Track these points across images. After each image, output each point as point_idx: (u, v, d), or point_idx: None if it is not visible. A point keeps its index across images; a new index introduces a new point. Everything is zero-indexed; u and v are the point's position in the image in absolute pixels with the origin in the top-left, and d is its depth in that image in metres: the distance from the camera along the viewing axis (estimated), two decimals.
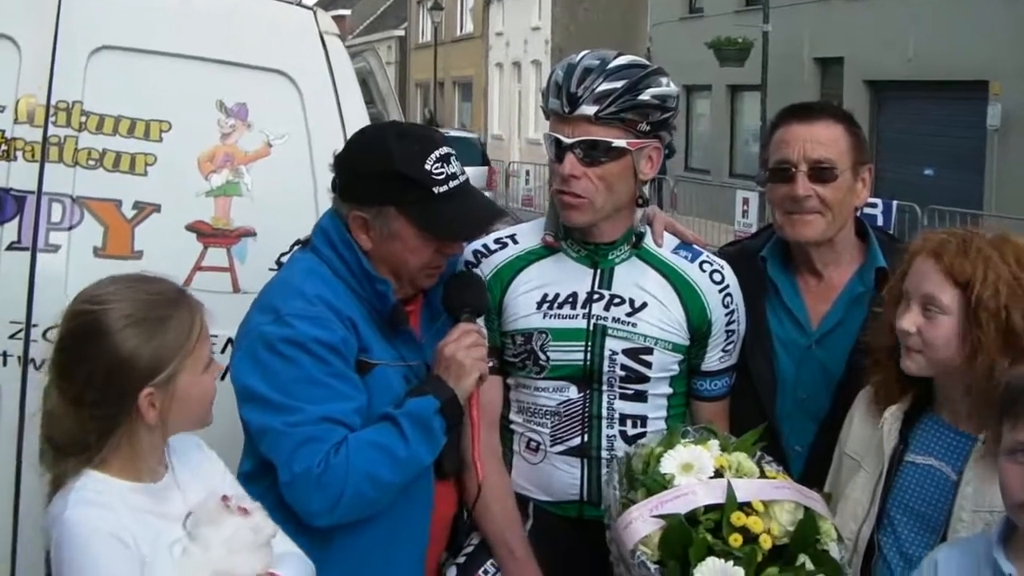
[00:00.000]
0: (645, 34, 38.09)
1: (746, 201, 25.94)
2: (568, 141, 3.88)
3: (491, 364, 3.91)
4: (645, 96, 3.86)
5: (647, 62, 4.03)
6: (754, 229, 15.33)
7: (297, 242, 3.94)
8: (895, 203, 20.97)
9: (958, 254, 3.51)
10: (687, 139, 38.90)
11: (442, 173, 3.73)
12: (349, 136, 4.07)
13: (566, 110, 3.88)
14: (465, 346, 3.75)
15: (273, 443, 3.49)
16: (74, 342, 3.10)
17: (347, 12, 71.27)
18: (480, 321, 3.98)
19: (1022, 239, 3.63)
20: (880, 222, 18.29)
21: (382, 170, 3.70)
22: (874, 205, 18.50)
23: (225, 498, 3.23)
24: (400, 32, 72.31)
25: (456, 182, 3.77)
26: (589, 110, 3.84)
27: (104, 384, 3.04)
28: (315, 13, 4.97)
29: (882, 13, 28.68)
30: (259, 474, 3.64)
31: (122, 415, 3.07)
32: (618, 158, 3.88)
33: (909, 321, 3.57)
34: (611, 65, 3.88)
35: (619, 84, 3.84)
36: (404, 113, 6.66)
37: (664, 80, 3.94)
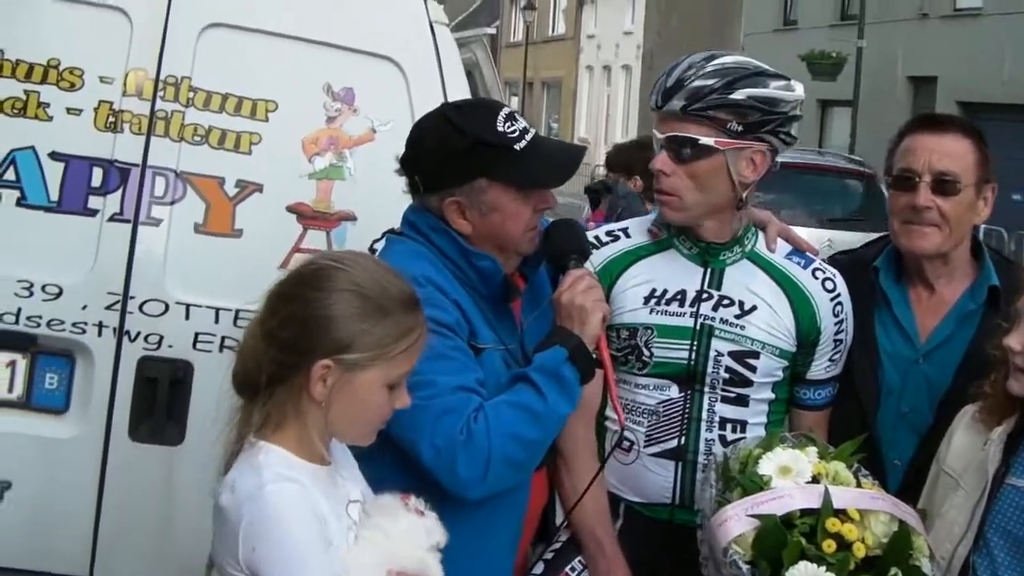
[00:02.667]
0: (738, 43, 37.89)
1: None
2: (660, 137, 3.86)
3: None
4: (738, 95, 3.78)
5: (760, 65, 3.94)
6: None
7: (389, 231, 3.92)
8: (983, 227, 20.76)
9: None
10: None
11: (515, 130, 3.72)
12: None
13: (658, 104, 3.86)
14: (581, 290, 3.69)
15: (410, 421, 3.37)
16: (296, 281, 3.07)
17: (440, 6, 71.44)
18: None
19: None
20: None
21: (461, 147, 3.67)
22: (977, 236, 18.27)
23: (405, 496, 3.21)
24: (492, 30, 72.41)
25: (530, 134, 3.76)
26: (677, 105, 3.80)
27: (298, 331, 2.99)
28: (425, 2, 4.96)
29: (978, 34, 28.47)
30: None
31: (295, 371, 3.00)
32: (707, 156, 3.82)
33: (1016, 339, 3.52)
34: (715, 62, 3.83)
35: (712, 81, 3.78)
36: None
37: (775, 83, 3.86)
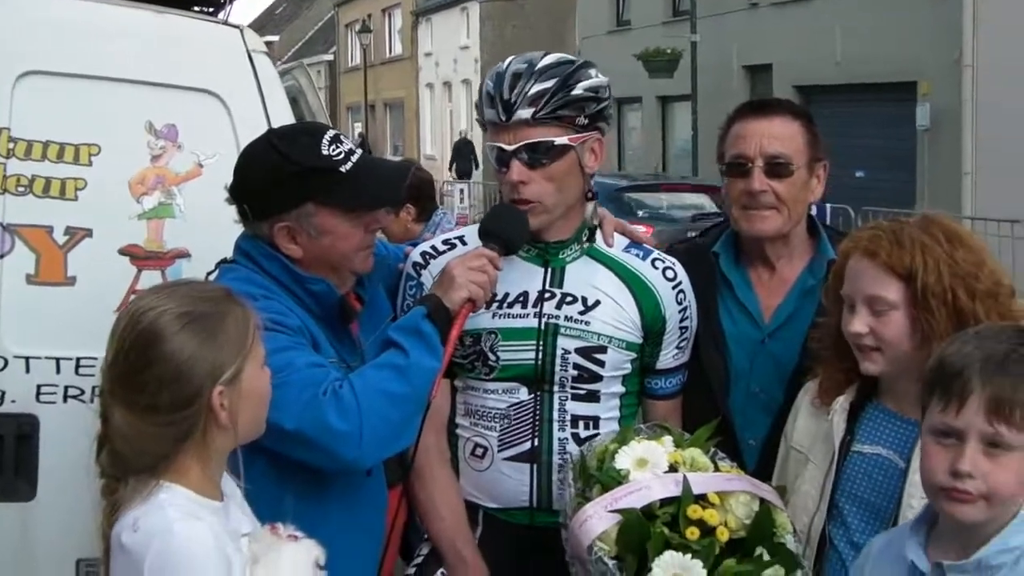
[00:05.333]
0: (574, 48, 38.13)
1: None
2: (510, 148, 3.87)
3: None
4: (578, 90, 3.86)
5: (573, 57, 4.02)
6: None
7: (222, 261, 3.91)
8: (828, 206, 21.13)
9: (893, 247, 3.51)
10: (619, 151, 39.12)
11: (340, 152, 3.75)
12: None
13: (503, 118, 3.86)
14: (467, 266, 3.73)
15: (272, 403, 3.31)
16: (135, 352, 3.02)
17: (275, 38, 71.11)
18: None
19: (944, 218, 3.66)
20: None
21: (287, 172, 3.70)
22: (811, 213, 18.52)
23: (273, 527, 3.21)
24: (329, 57, 72.23)
25: (356, 155, 3.79)
26: (525, 113, 3.83)
27: (175, 387, 2.98)
28: (242, 31, 4.91)
29: (809, 18, 28.93)
30: None
31: (197, 418, 3.01)
32: (562, 156, 3.87)
33: (860, 323, 3.57)
34: (540, 65, 3.88)
35: (551, 83, 3.83)
36: None
37: (593, 72, 3.95)
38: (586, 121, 3.90)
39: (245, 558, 3.06)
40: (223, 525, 3.04)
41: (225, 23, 5.03)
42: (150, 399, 2.99)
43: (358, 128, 64.26)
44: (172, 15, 4.92)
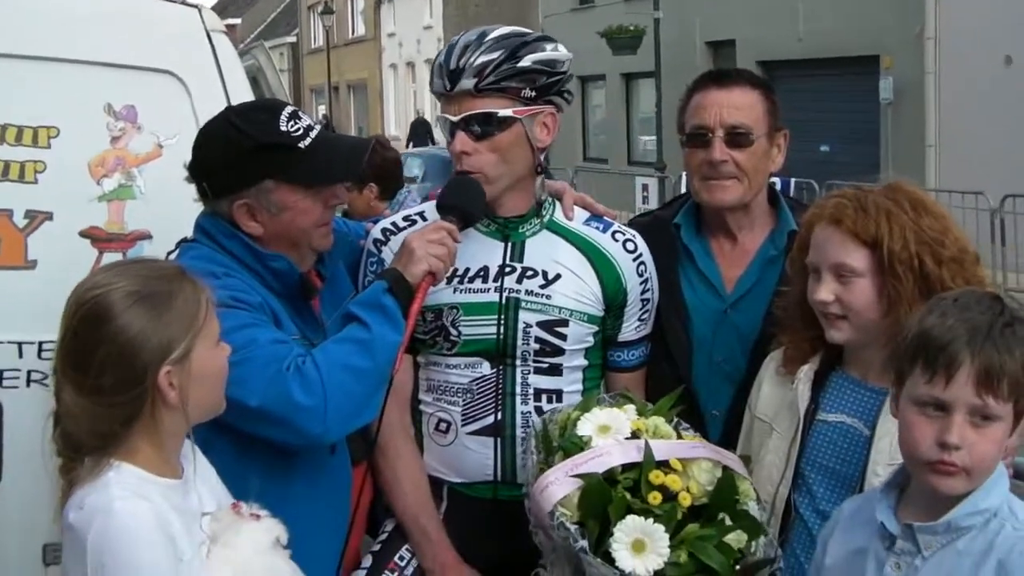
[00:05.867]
0: (537, 26, 38.07)
1: (645, 187, 26.13)
2: (455, 119, 3.89)
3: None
4: (525, 62, 3.87)
5: (529, 31, 4.03)
6: None
7: (183, 240, 3.91)
8: (793, 180, 21.15)
9: (858, 214, 3.53)
10: (584, 129, 39.13)
11: (298, 128, 3.76)
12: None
13: (448, 87, 3.89)
14: (427, 239, 3.74)
15: (235, 378, 3.32)
16: (83, 331, 3.01)
17: (237, 21, 70.76)
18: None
19: (909, 185, 3.67)
20: None
21: (245, 150, 3.71)
22: (772, 183, 18.59)
23: (236, 505, 3.21)
24: (292, 38, 72.03)
25: (315, 131, 3.80)
26: (469, 83, 3.85)
27: (121, 367, 2.97)
28: (200, 11, 4.89)
29: None
30: None
31: (144, 398, 3.00)
32: (507, 128, 3.89)
33: (826, 291, 3.58)
34: (489, 37, 3.90)
35: (496, 54, 3.85)
36: None
37: (549, 46, 3.95)
38: (533, 94, 3.90)
39: (202, 537, 3.06)
40: (177, 503, 3.03)
41: (183, 3, 5.00)
42: (96, 380, 2.98)
43: (322, 110, 64.14)
44: None
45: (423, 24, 52.28)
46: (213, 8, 5.52)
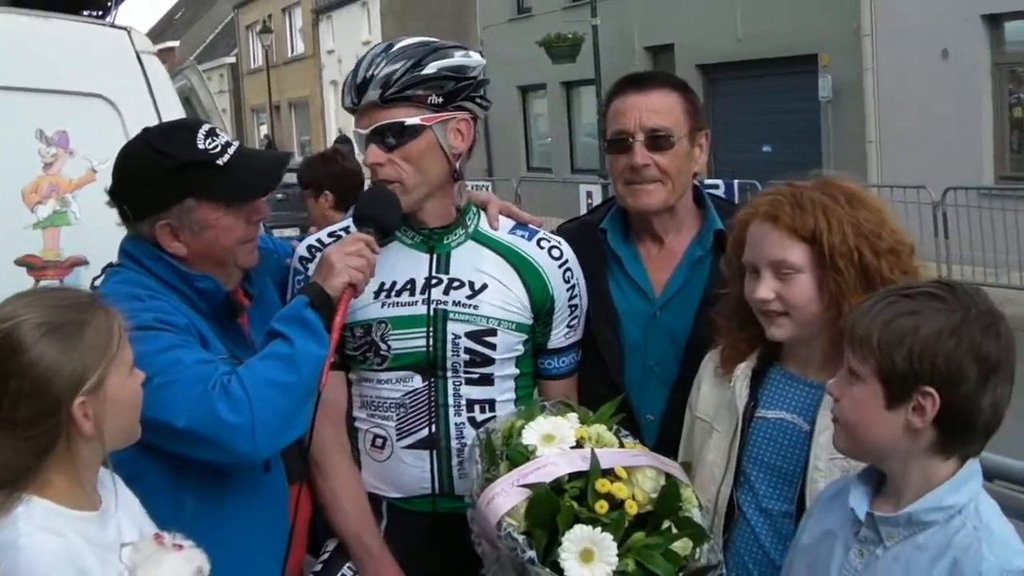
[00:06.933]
0: (476, 38, 38.17)
1: (590, 194, 26.11)
2: (365, 132, 3.89)
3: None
4: (430, 69, 3.86)
5: (437, 40, 4.01)
6: None
7: (108, 266, 3.88)
8: (736, 182, 21.25)
9: (795, 210, 3.53)
10: (526, 139, 39.17)
11: (216, 145, 3.74)
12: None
13: (355, 101, 3.90)
14: (345, 252, 3.73)
15: (160, 401, 3.32)
16: None
17: (175, 44, 70.55)
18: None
19: (842, 179, 3.68)
20: None
21: (164, 171, 3.69)
22: (715, 186, 18.74)
23: (158, 536, 3.14)
24: (231, 59, 71.82)
25: (233, 147, 3.79)
26: (375, 95, 3.85)
27: (34, 400, 2.90)
28: (129, 33, 4.87)
29: None
30: None
31: (58, 430, 2.93)
32: (417, 136, 3.88)
33: (766, 289, 3.58)
34: (396, 48, 3.91)
35: (401, 63, 3.85)
36: (242, 138, 6.60)
37: (458, 53, 3.95)
38: (440, 100, 3.89)
39: (120, 568, 3.00)
40: (92, 536, 2.98)
41: (112, 25, 4.97)
42: (8, 414, 2.92)
43: (264, 130, 64.03)
44: (58, 19, 4.86)
45: (362, 40, 52.15)
46: (150, 32, 5.47)
